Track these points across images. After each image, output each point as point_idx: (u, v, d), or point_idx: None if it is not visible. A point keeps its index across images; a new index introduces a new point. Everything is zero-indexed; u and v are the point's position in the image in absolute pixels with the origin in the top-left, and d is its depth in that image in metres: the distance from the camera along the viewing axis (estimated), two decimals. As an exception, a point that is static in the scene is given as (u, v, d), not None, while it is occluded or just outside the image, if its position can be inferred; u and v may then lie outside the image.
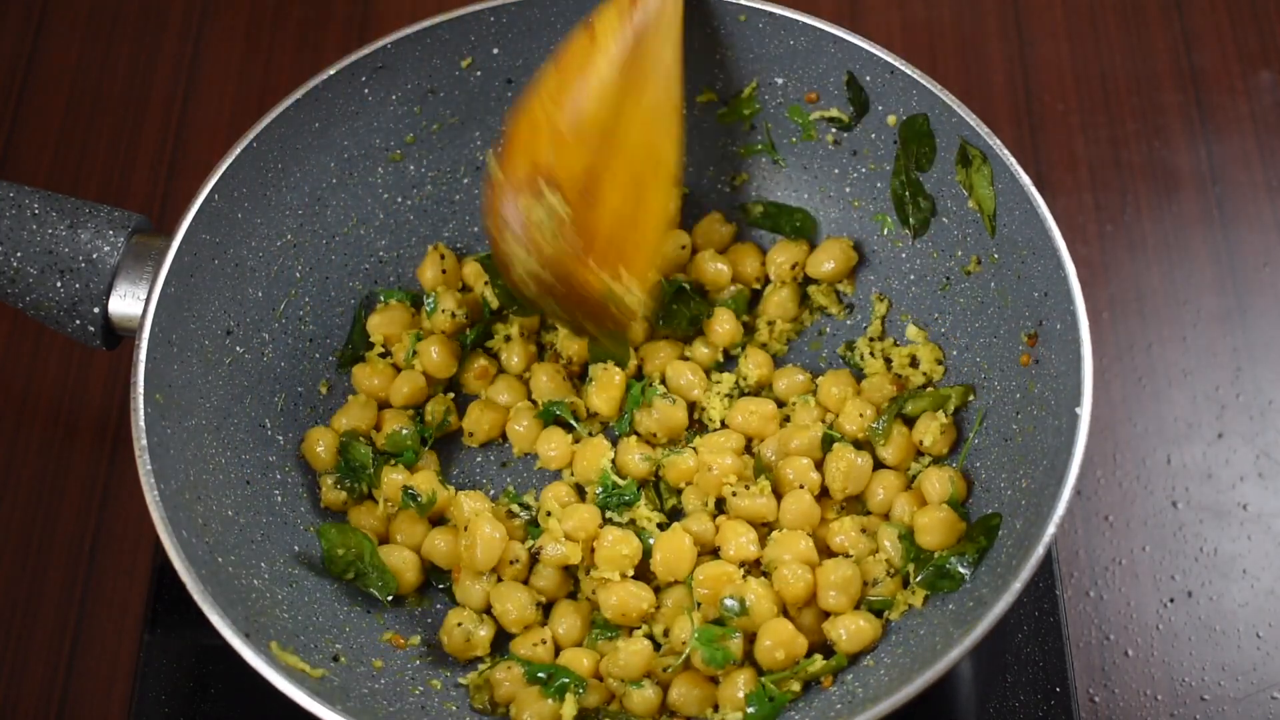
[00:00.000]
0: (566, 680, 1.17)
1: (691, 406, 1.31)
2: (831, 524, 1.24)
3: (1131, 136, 1.54)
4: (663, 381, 1.32)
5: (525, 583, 1.24)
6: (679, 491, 1.28)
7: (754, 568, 1.23)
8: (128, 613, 1.33)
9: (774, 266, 1.36)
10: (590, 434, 1.31)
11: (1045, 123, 1.55)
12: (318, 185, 1.32)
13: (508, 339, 1.35)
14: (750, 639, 1.18)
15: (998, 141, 1.22)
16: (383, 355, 1.34)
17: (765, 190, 1.38)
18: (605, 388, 1.30)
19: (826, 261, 1.34)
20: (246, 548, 1.20)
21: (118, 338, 1.26)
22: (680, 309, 1.34)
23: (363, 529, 1.26)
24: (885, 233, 1.33)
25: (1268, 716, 1.28)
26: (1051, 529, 1.09)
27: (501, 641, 1.23)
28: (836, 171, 1.35)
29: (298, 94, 1.27)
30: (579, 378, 1.34)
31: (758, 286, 1.37)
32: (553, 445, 1.30)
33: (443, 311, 1.33)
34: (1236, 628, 1.31)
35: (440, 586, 1.26)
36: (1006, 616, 1.07)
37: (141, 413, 1.15)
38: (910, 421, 1.28)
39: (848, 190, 1.34)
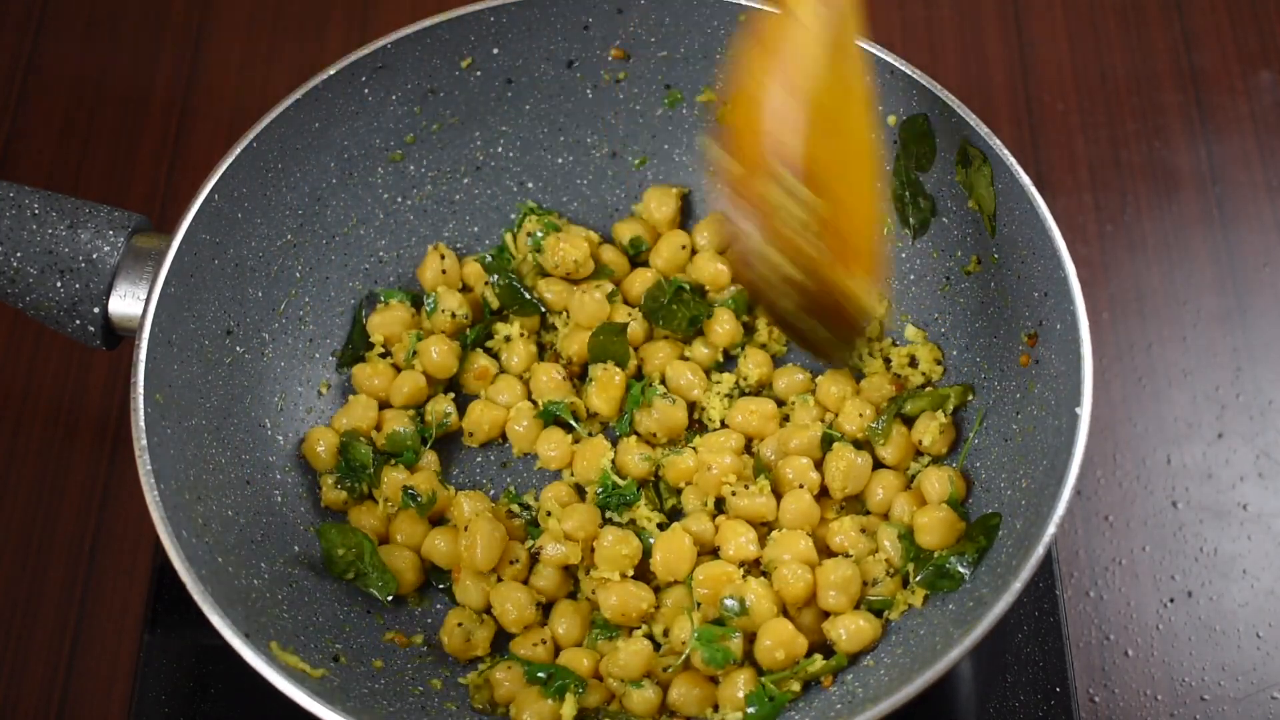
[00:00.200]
0: (566, 680, 1.17)
1: (691, 406, 1.31)
2: (831, 524, 1.24)
3: (1131, 136, 1.54)
4: (662, 382, 1.32)
5: (525, 583, 1.24)
6: (679, 491, 1.27)
7: (754, 567, 1.23)
8: (128, 613, 1.33)
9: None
10: (590, 434, 1.31)
11: (1045, 123, 1.55)
12: (318, 185, 1.32)
13: (508, 339, 1.35)
14: (750, 639, 1.18)
15: (998, 141, 1.22)
16: (383, 355, 1.34)
17: (765, 190, 1.38)
18: (605, 388, 1.30)
19: None
20: (246, 548, 1.20)
21: (118, 338, 1.26)
22: (680, 309, 1.34)
23: (363, 529, 1.26)
24: (885, 233, 1.33)
25: (1268, 716, 1.28)
26: (1051, 529, 1.09)
27: (501, 641, 1.23)
28: (836, 171, 1.35)
29: (298, 94, 1.27)
30: (579, 378, 1.34)
31: (758, 286, 1.37)
32: (552, 445, 1.30)
33: (443, 311, 1.33)
34: (1236, 628, 1.31)
35: (440, 586, 1.26)
36: (1006, 616, 1.07)
37: (141, 413, 1.15)
38: (909, 421, 1.28)
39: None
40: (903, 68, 1.25)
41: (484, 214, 1.39)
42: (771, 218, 1.09)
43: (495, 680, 1.20)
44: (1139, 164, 1.53)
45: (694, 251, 1.37)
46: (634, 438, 1.29)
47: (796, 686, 1.17)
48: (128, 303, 1.23)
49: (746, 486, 1.24)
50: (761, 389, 1.33)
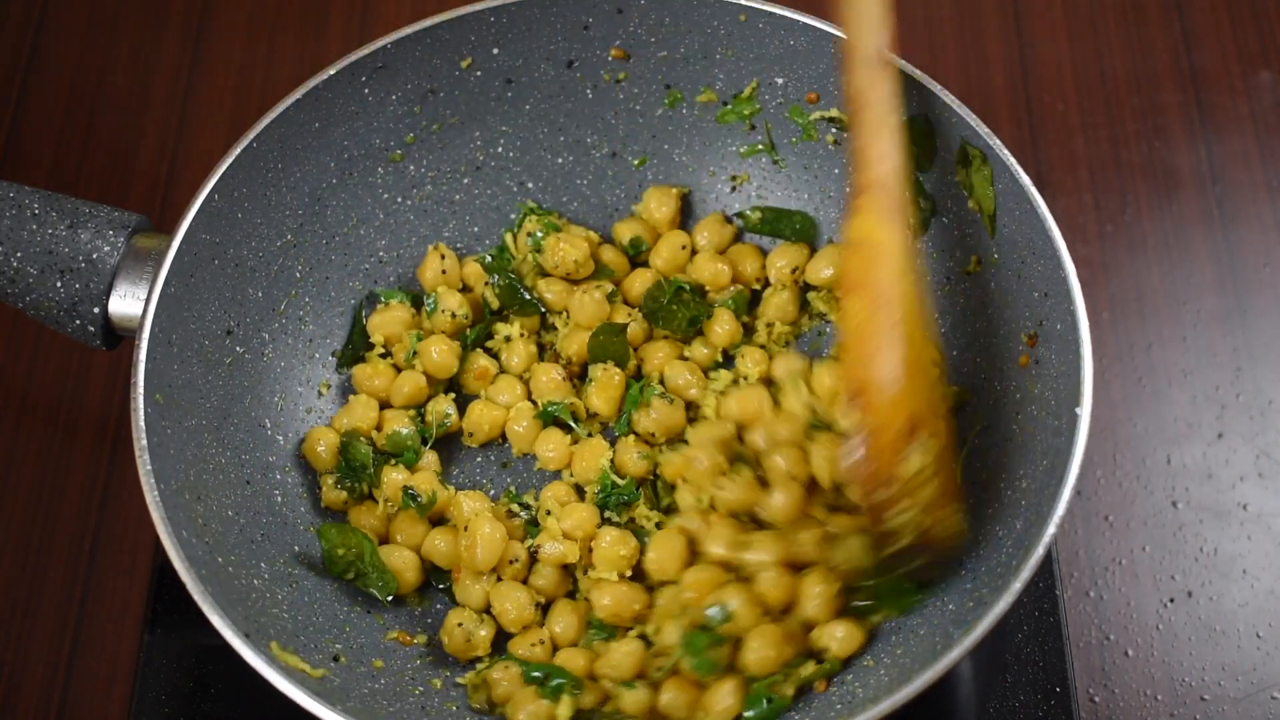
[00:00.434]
0: (562, 680, 1.17)
1: (690, 406, 1.31)
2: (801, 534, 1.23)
3: (1131, 136, 1.54)
4: (661, 382, 1.32)
5: (524, 582, 1.24)
6: (674, 488, 1.28)
7: (737, 572, 1.23)
8: (128, 613, 1.33)
9: (774, 270, 1.35)
10: (589, 434, 1.31)
11: (1045, 123, 1.55)
12: (318, 185, 1.32)
13: (508, 339, 1.35)
14: (737, 645, 1.18)
15: (998, 141, 1.22)
16: (383, 355, 1.34)
17: (765, 190, 1.38)
18: (605, 388, 1.30)
19: (826, 268, 1.34)
20: (246, 548, 1.20)
21: (118, 338, 1.26)
22: (680, 309, 1.34)
23: (363, 529, 1.26)
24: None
25: (1268, 716, 1.28)
26: (1051, 529, 1.09)
27: (502, 641, 1.23)
28: (836, 172, 1.35)
29: (298, 94, 1.27)
30: (578, 378, 1.34)
31: (757, 287, 1.37)
32: (551, 446, 1.30)
33: (443, 312, 1.33)
34: (1236, 628, 1.31)
35: (440, 586, 1.26)
36: (1006, 616, 1.07)
37: (141, 413, 1.15)
38: None
39: (848, 190, 1.34)
40: (903, 67, 1.25)
41: (484, 214, 1.39)
42: (906, 477, 1.11)
43: (492, 680, 1.20)
44: (1139, 164, 1.53)
45: (694, 251, 1.37)
46: (632, 437, 1.29)
47: (790, 691, 1.17)
48: (128, 303, 1.23)
49: (724, 474, 1.24)
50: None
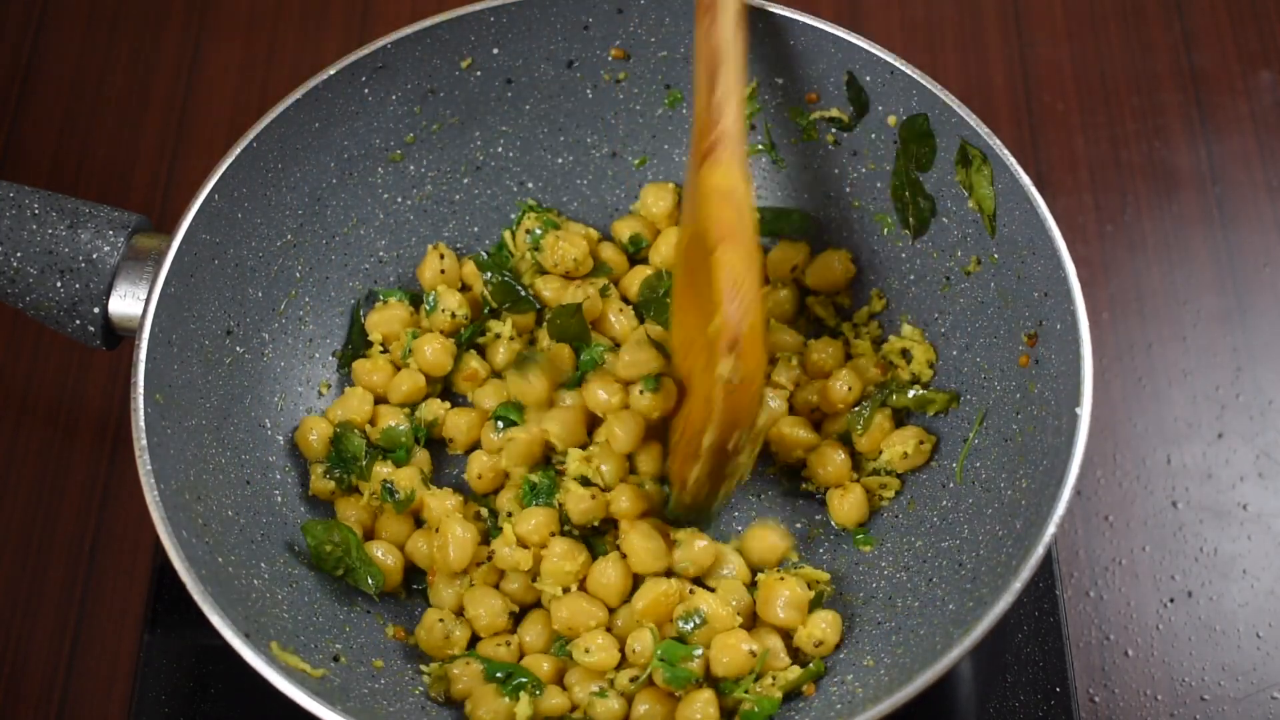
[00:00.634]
0: (524, 680, 1.17)
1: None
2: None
3: (1131, 136, 1.54)
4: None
5: (497, 586, 1.23)
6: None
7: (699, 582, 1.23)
8: (128, 613, 1.33)
9: (773, 267, 1.35)
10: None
11: (1045, 123, 1.55)
12: (318, 185, 1.32)
13: (497, 337, 1.34)
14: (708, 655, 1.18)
15: (998, 141, 1.22)
16: (382, 353, 1.34)
17: (766, 190, 1.38)
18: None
19: (825, 273, 1.34)
20: (246, 548, 1.20)
21: (118, 338, 1.26)
22: (678, 306, 1.34)
23: (348, 521, 1.26)
24: (885, 233, 1.33)
25: (1268, 716, 1.28)
26: (1051, 529, 1.09)
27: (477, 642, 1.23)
28: (836, 172, 1.35)
29: (298, 94, 1.27)
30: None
31: (757, 286, 1.37)
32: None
33: (443, 311, 1.33)
34: (1236, 628, 1.31)
35: (417, 588, 1.26)
36: (1006, 616, 1.07)
37: (141, 413, 1.15)
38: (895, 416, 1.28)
39: (848, 190, 1.34)
40: (903, 68, 1.25)
41: (484, 214, 1.39)
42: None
43: (452, 675, 1.19)
44: (1139, 164, 1.53)
45: (694, 251, 1.37)
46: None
47: (778, 694, 1.17)
48: (128, 303, 1.23)
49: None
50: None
